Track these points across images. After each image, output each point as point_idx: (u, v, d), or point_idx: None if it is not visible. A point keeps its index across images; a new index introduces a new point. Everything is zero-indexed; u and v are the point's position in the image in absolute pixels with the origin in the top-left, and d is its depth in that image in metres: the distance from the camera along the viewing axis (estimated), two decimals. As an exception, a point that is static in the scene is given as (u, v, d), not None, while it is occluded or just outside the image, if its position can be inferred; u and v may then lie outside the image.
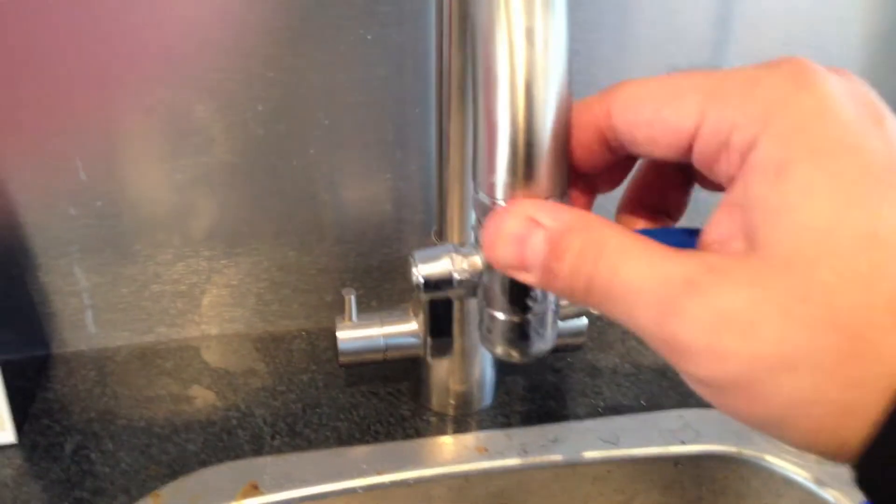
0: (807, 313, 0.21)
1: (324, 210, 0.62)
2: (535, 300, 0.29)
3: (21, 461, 0.55)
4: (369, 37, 0.55)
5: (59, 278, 0.61)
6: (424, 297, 0.32)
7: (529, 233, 0.25)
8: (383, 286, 0.66)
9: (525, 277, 0.26)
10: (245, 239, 0.62)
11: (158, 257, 0.62)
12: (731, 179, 0.24)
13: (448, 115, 0.48)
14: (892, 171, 0.21)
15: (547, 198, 0.26)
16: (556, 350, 0.61)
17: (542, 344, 0.30)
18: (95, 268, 0.61)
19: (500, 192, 0.27)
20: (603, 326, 0.67)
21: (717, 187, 0.26)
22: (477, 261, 0.30)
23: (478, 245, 0.30)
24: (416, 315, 0.56)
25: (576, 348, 0.61)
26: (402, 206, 0.62)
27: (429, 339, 0.52)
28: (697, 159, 0.25)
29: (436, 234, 0.54)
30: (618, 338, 0.66)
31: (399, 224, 0.63)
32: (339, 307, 0.57)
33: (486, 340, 0.31)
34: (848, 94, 0.23)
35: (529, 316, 0.29)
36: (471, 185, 0.51)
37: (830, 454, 0.22)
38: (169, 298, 0.64)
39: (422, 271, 0.32)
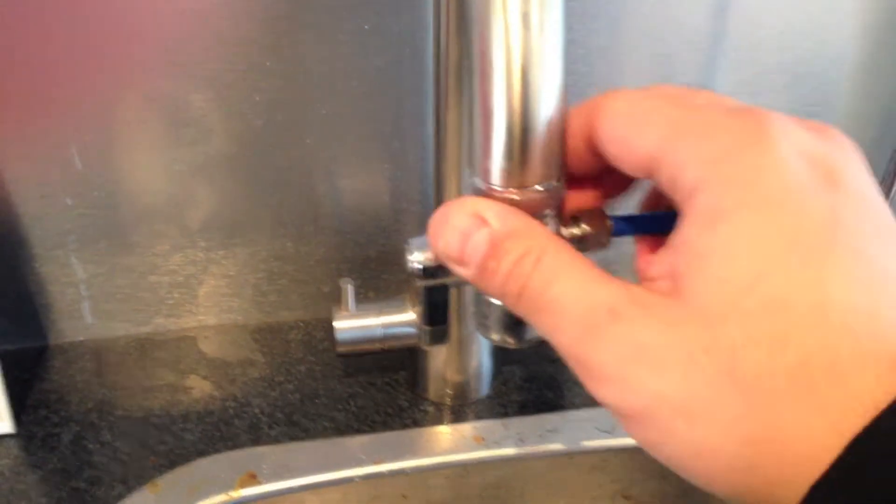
0: (710, 366, 0.21)
1: (321, 200, 0.62)
2: None
3: (18, 451, 0.55)
4: (367, 26, 0.55)
5: (56, 269, 0.61)
6: (420, 284, 0.32)
7: (474, 229, 0.26)
8: (381, 277, 0.66)
9: (462, 272, 0.26)
10: (243, 229, 0.62)
11: (156, 248, 0.62)
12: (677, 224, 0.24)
13: (446, 104, 0.48)
14: (826, 236, 0.21)
15: (542, 183, 0.26)
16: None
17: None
18: (92, 258, 0.61)
19: (495, 177, 0.27)
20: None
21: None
22: None
23: None
24: (413, 305, 0.56)
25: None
26: (400, 197, 0.62)
27: (425, 328, 0.52)
28: (659, 186, 0.25)
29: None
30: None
31: (397, 215, 0.63)
32: (336, 298, 0.57)
33: (482, 326, 0.31)
34: (804, 155, 0.22)
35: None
36: (468, 175, 0.51)
37: None
38: (166, 289, 0.64)
39: (417, 258, 0.32)
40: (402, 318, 0.56)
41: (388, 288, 0.67)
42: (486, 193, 0.27)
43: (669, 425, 0.22)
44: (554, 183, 0.27)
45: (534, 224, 0.26)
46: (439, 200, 0.52)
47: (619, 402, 0.23)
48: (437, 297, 0.46)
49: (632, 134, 0.25)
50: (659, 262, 0.24)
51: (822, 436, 0.20)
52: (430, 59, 0.56)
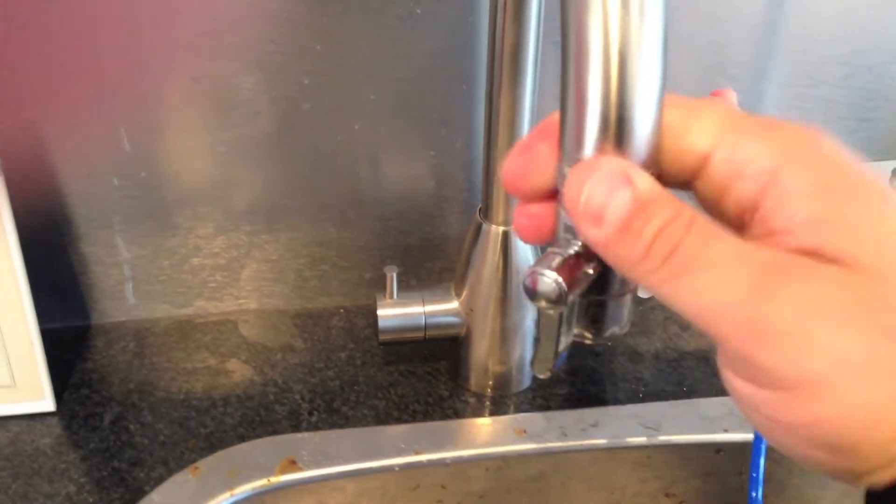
0: (892, 325, 0.21)
1: (366, 186, 0.61)
2: (614, 284, 0.28)
3: (60, 430, 0.55)
4: (419, 10, 0.54)
5: (100, 249, 0.61)
6: (553, 312, 0.28)
7: (619, 186, 0.24)
8: (423, 265, 0.65)
9: (594, 234, 0.25)
10: (286, 214, 0.62)
11: (199, 230, 0.61)
12: (743, 208, 0.25)
13: (499, 91, 0.47)
14: None
15: None
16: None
17: (617, 327, 0.29)
18: (137, 239, 0.61)
19: None
20: (645, 311, 0.66)
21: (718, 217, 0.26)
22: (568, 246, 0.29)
23: (559, 232, 0.28)
24: (458, 295, 0.55)
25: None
26: (445, 184, 0.62)
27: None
28: (704, 185, 0.25)
29: (481, 212, 0.53)
30: (659, 323, 0.65)
31: (441, 202, 0.63)
32: (378, 285, 0.56)
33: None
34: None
35: (607, 298, 0.28)
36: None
37: (855, 477, 0.23)
38: (208, 272, 0.64)
39: (550, 282, 0.28)
40: (446, 307, 0.55)
41: (430, 276, 0.66)
42: None
43: (851, 389, 0.21)
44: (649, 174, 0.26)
45: (675, 197, 0.24)
46: (487, 188, 0.51)
47: (797, 364, 0.22)
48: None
49: (689, 129, 0.25)
50: (769, 251, 0.24)
51: None
52: (483, 43, 0.56)
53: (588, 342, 0.29)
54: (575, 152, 0.26)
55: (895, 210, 0.23)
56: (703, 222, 0.24)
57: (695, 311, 0.23)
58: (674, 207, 0.24)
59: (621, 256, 0.24)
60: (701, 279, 0.23)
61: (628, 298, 0.29)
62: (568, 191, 0.25)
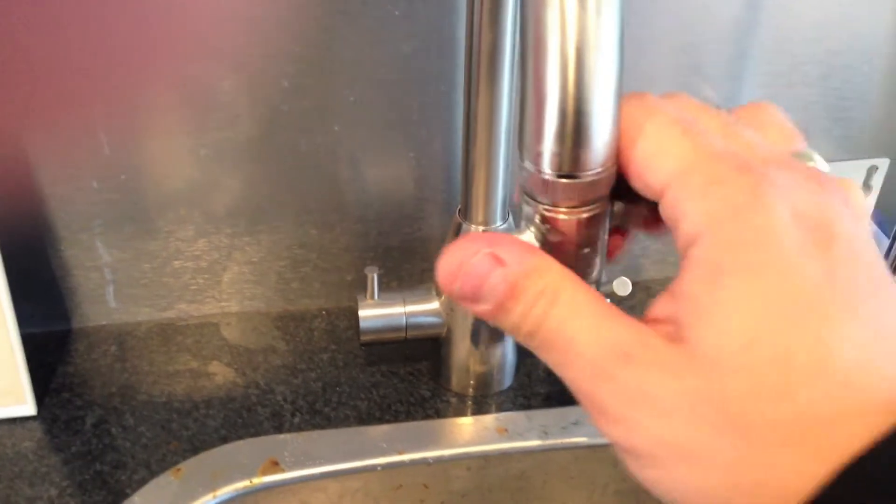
0: (712, 414, 0.23)
1: (346, 188, 0.61)
2: (589, 274, 0.29)
3: (41, 434, 0.55)
4: (397, 12, 0.54)
5: (81, 252, 0.61)
6: None
7: (490, 270, 0.26)
8: (403, 266, 0.66)
9: (477, 309, 0.26)
10: (267, 216, 0.62)
11: (180, 233, 0.61)
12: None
13: (476, 92, 0.48)
14: (823, 297, 0.23)
15: (594, 168, 0.26)
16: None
17: None
18: (117, 242, 0.61)
19: (546, 163, 0.26)
20: (624, 310, 0.66)
21: None
22: (532, 238, 0.30)
23: (521, 226, 0.29)
24: (438, 295, 0.56)
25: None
26: (425, 186, 0.62)
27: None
28: (663, 215, 0.26)
29: (460, 213, 0.53)
30: (639, 322, 0.65)
31: (421, 203, 0.63)
32: (359, 286, 0.56)
33: None
34: (801, 217, 0.24)
35: None
36: (497, 164, 0.51)
37: None
38: (190, 274, 0.64)
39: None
40: (427, 308, 0.56)
41: (411, 277, 0.66)
42: (537, 178, 0.26)
43: (670, 467, 0.23)
44: (607, 168, 0.26)
45: (549, 260, 0.26)
46: (467, 189, 0.52)
47: (625, 442, 0.24)
48: None
49: (650, 165, 0.26)
50: (663, 305, 0.26)
51: (813, 476, 0.21)
52: (461, 45, 0.56)
53: None
54: (535, 146, 0.26)
55: (774, 298, 0.23)
56: (569, 296, 0.25)
57: (559, 375, 0.26)
58: (541, 283, 0.25)
59: (504, 329, 0.27)
60: (558, 358, 0.25)
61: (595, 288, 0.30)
62: (442, 278, 0.27)
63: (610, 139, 0.26)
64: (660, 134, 0.26)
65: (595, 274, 0.29)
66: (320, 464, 0.53)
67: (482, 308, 0.26)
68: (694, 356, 0.23)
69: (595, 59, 0.25)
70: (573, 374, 0.25)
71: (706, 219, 0.24)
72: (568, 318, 0.25)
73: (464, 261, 0.26)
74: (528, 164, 0.27)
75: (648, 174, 0.26)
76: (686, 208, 0.24)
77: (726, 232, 0.24)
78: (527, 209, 0.28)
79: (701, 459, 0.23)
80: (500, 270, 0.26)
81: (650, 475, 0.24)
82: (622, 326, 0.25)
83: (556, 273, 0.26)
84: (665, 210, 0.25)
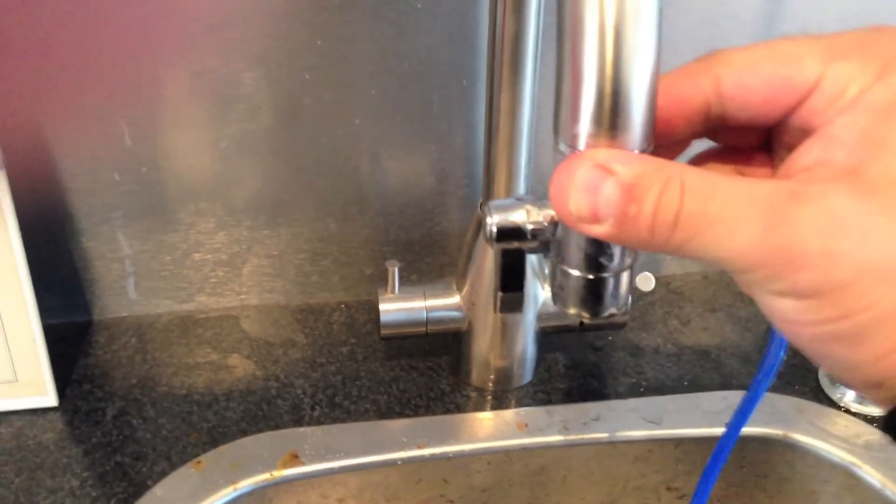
0: None
1: (366, 182, 0.61)
2: (611, 258, 0.28)
3: (62, 425, 0.55)
4: (419, 5, 0.54)
5: (101, 244, 0.61)
6: (496, 247, 0.31)
7: (601, 181, 0.24)
8: (424, 260, 0.66)
9: (598, 231, 0.25)
10: (287, 209, 0.62)
11: (200, 225, 0.61)
12: (830, 122, 0.25)
13: (499, 85, 0.47)
14: None
15: (632, 149, 0.26)
16: (599, 328, 0.60)
17: (615, 305, 0.29)
18: (138, 234, 0.61)
19: (582, 143, 0.26)
20: (645, 306, 0.66)
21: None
22: (552, 213, 0.30)
23: None
24: (459, 289, 0.55)
25: (619, 326, 0.61)
26: (446, 180, 0.62)
27: (499, 294, 0.50)
28: (802, 115, 0.26)
29: (482, 207, 0.53)
30: (660, 318, 0.65)
31: (442, 197, 0.63)
32: (379, 280, 0.56)
33: (558, 298, 0.30)
34: None
35: (605, 274, 0.28)
36: (519, 158, 0.50)
37: (874, 385, 0.24)
38: (210, 267, 0.64)
39: (495, 220, 0.31)
40: (447, 302, 0.56)
41: (431, 271, 0.66)
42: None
43: (870, 295, 0.23)
44: (644, 151, 0.26)
45: (658, 158, 0.25)
46: (489, 182, 0.52)
47: (823, 279, 0.23)
48: (513, 262, 0.45)
49: (786, 70, 0.25)
50: (807, 153, 0.25)
51: None
52: (483, 39, 0.56)
53: (587, 320, 0.30)
54: (571, 127, 0.26)
55: None
56: (695, 179, 0.24)
57: (719, 262, 0.24)
58: (662, 177, 0.24)
59: (631, 241, 0.25)
60: (713, 235, 0.24)
61: (625, 277, 0.29)
62: (556, 202, 0.26)
63: (648, 120, 0.26)
64: (779, 46, 0.26)
65: (629, 260, 0.29)
66: (340, 457, 0.53)
67: (603, 228, 0.25)
68: (878, 180, 0.23)
69: (634, 38, 0.24)
70: (741, 238, 0.23)
71: (875, 71, 0.24)
72: (709, 193, 0.24)
73: (571, 178, 0.25)
74: (563, 147, 0.26)
75: (796, 76, 0.25)
76: (853, 73, 0.25)
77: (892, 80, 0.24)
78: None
79: None
80: (611, 179, 0.24)
81: (836, 315, 0.23)
82: (769, 180, 0.24)
83: (670, 164, 0.24)
84: (822, 97, 0.25)
